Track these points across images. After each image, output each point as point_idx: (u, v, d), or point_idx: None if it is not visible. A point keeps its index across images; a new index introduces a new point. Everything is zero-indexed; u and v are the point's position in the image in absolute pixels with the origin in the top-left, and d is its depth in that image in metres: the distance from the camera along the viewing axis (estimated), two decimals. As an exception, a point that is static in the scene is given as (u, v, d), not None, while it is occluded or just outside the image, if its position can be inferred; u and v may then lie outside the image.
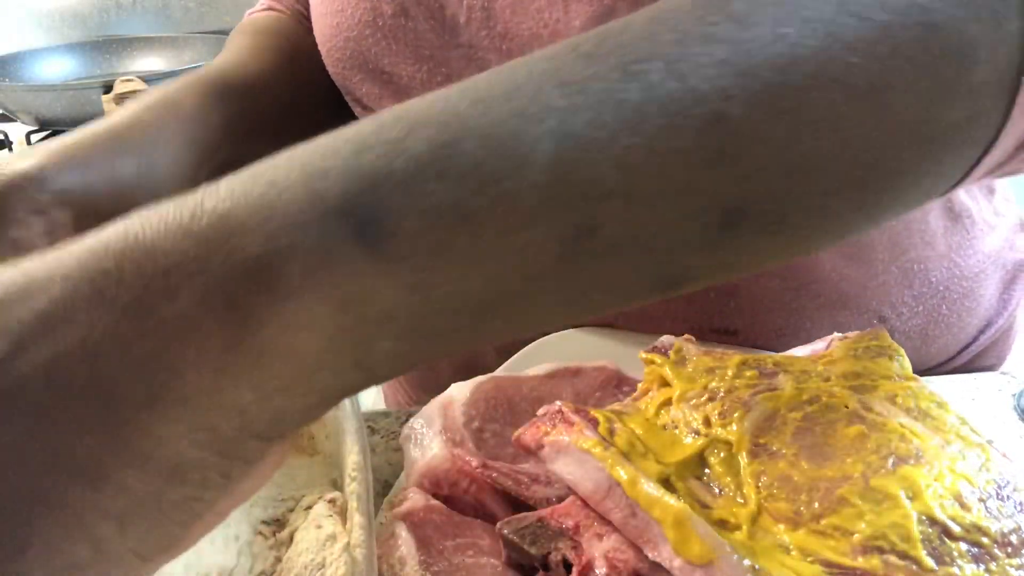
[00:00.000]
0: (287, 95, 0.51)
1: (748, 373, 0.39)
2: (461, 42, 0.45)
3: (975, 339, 0.57)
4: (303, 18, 0.58)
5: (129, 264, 0.19)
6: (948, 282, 0.53)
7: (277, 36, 0.54)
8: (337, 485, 0.37)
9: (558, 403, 0.37)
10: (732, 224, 0.22)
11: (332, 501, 0.35)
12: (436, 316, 0.21)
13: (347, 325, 0.20)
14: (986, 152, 0.25)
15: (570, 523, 0.34)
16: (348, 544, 0.31)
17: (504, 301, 0.22)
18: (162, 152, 0.37)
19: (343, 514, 0.34)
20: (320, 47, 0.52)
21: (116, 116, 0.37)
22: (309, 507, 0.35)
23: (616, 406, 0.41)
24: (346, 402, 0.38)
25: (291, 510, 0.36)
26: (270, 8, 0.59)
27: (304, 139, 0.53)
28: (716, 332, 0.51)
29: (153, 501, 0.20)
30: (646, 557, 0.32)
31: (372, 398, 0.72)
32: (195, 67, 1.20)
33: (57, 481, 0.19)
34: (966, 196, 0.53)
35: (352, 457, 0.34)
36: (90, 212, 0.33)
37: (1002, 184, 0.58)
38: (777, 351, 0.50)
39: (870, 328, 0.51)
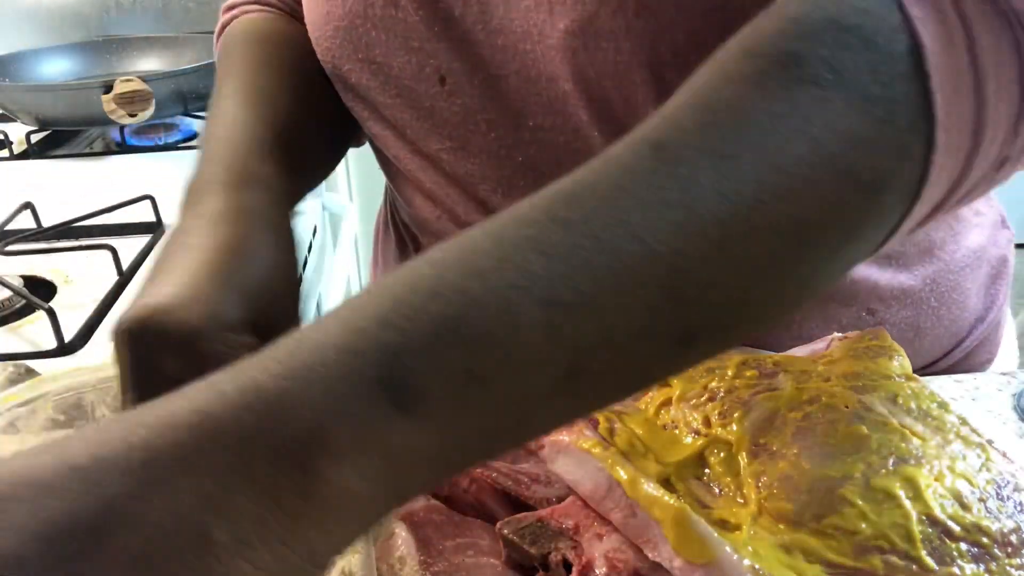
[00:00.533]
0: (308, 116, 0.51)
1: (748, 373, 0.39)
2: (452, 35, 0.46)
3: (969, 333, 0.58)
4: (293, 11, 0.57)
5: (207, 442, 0.22)
6: (935, 275, 0.54)
7: (281, 48, 0.53)
8: None
9: (558, 403, 0.37)
10: (688, 345, 0.27)
11: None
12: (461, 452, 0.25)
13: (391, 472, 0.24)
14: (889, 236, 0.30)
15: (570, 523, 0.34)
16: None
17: (513, 430, 0.26)
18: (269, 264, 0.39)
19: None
20: (310, 35, 0.51)
21: (213, 247, 0.37)
22: None
23: (616, 406, 0.41)
24: None
25: None
26: (257, 3, 0.58)
27: (332, 141, 0.50)
28: None
29: None
30: (646, 557, 0.32)
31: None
32: (195, 67, 1.20)
33: None
34: None
35: None
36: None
37: None
38: (769, 344, 0.50)
39: (860, 320, 0.51)
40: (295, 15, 0.57)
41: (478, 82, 0.46)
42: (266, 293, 0.37)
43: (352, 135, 0.58)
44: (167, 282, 0.35)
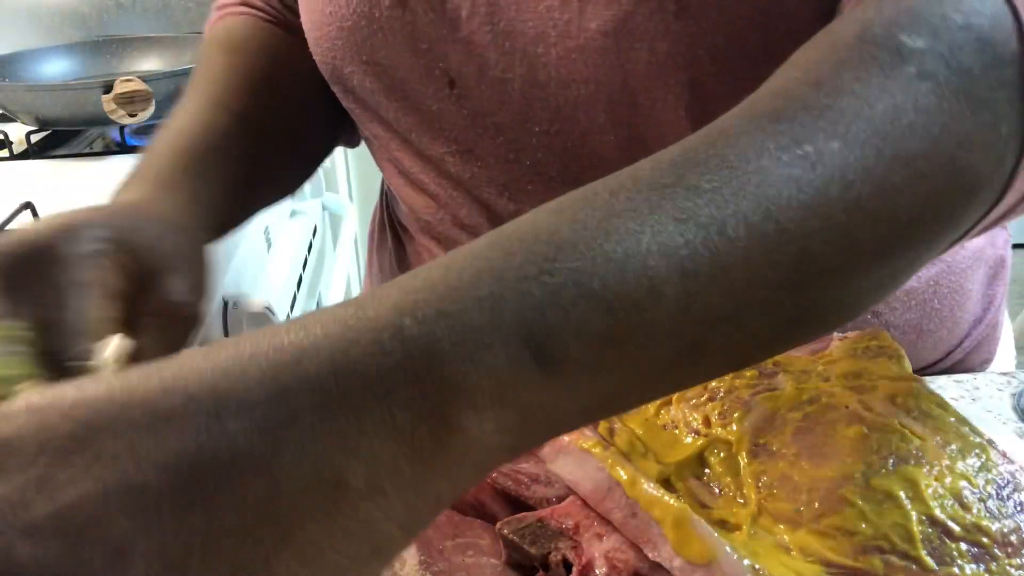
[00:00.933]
0: (274, 123, 0.51)
1: (748, 373, 0.39)
2: (459, 36, 0.45)
3: (968, 334, 0.58)
4: (283, 17, 0.56)
5: (343, 380, 0.21)
6: (938, 277, 0.54)
7: (254, 57, 0.53)
8: None
9: (558, 403, 0.37)
10: (792, 328, 0.27)
11: None
12: (583, 412, 0.25)
13: (525, 431, 0.24)
14: (964, 236, 0.31)
15: (570, 523, 0.34)
16: None
17: (631, 396, 0.26)
18: (171, 233, 0.40)
19: None
20: (308, 35, 0.50)
21: (118, 202, 0.39)
22: None
23: (616, 406, 0.41)
24: None
25: None
26: (245, 5, 0.57)
27: (301, 158, 0.51)
28: None
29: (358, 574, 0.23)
30: (646, 557, 0.32)
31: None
32: (195, 67, 1.20)
33: (281, 559, 0.21)
34: None
35: None
36: (125, 262, 0.37)
37: None
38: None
39: (864, 323, 0.51)
40: (281, 18, 0.56)
41: (486, 86, 0.45)
42: (147, 233, 0.37)
43: (326, 150, 0.58)
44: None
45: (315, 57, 0.51)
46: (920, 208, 0.27)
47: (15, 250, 0.34)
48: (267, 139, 0.50)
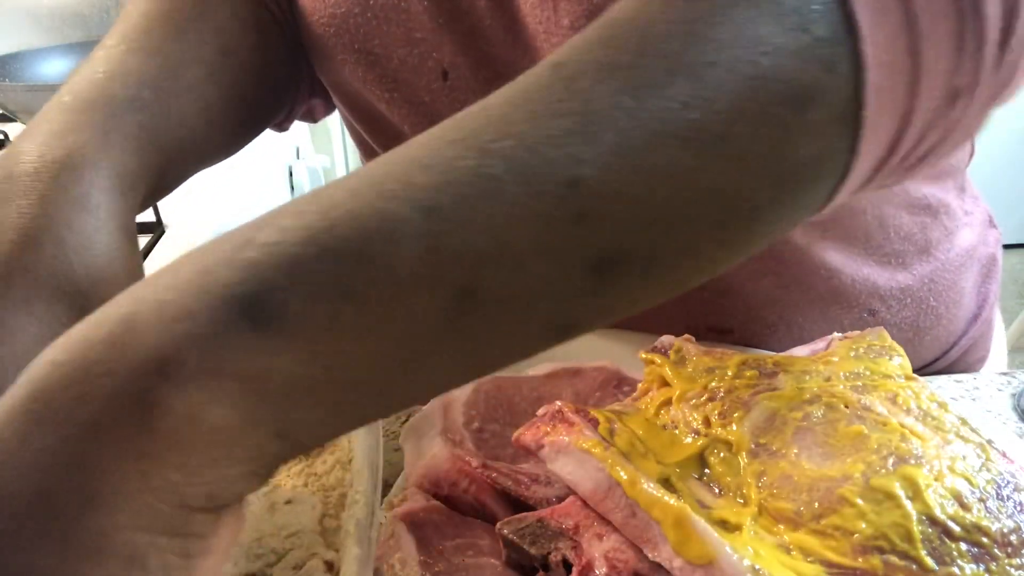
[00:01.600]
0: (192, 77, 0.42)
1: (748, 373, 0.39)
2: (458, 28, 0.44)
3: (965, 332, 0.58)
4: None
5: (49, 383, 0.21)
6: (932, 274, 0.54)
7: (204, 7, 0.44)
8: (325, 528, 0.34)
9: (558, 403, 0.37)
10: (604, 272, 0.24)
11: (329, 564, 0.32)
12: (339, 386, 0.23)
13: (253, 400, 0.22)
14: (841, 181, 0.27)
15: (570, 523, 0.34)
16: None
17: (404, 366, 0.24)
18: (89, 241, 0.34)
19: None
20: (301, 20, 0.49)
21: (11, 223, 0.32)
22: (298, 566, 0.32)
23: (616, 406, 0.40)
24: None
25: (271, 565, 0.33)
26: None
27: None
28: (711, 331, 0.51)
29: None
30: (646, 557, 0.32)
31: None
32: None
33: None
34: (942, 193, 0.54)
35: (360, 478, 0.33)
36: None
37: (969, 183, 0.60)
38: (771, 347, 0.50)
39: (861, 322, 0.51)
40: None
41: (482, 78, 0.45)
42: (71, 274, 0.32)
43: (259, 123, 0.50)
44: None
45: (306, 45, 0.49)
46: (721, 123, 0.24)
47: None
48: (183, 95, 0.42)
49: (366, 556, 0.31)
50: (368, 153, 0.56)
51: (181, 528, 0.22)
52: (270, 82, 0.49)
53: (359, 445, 0.35)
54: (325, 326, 0.22)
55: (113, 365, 0.21)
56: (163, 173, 0.39)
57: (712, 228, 0.25)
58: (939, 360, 0.58)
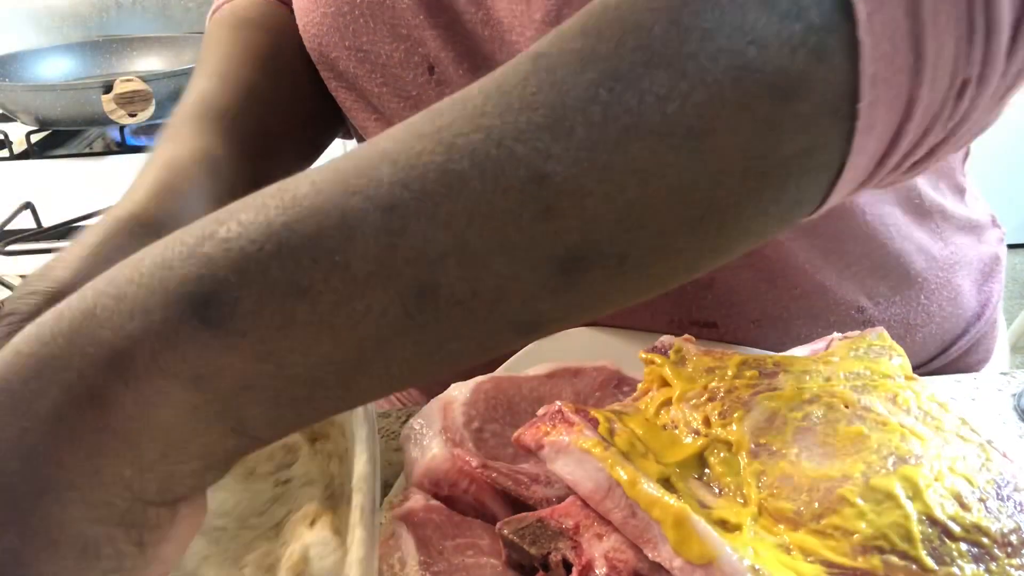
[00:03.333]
0: (278, 99, 0.50)
1: (748, 373, 0.39)
2: (440, 23, 0.45)
3: (965, 332, 0.58)
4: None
5: (11, 374, 0.21)
6: (925, 272, 0.54)
7: (259, 31, 0.52)
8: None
9: (558, 403, 0.37)
10: (572, 271, 0.23)
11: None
12: (294, 382, 0.23)
13: (205, 398, 0.22)
14: (836, 178, 0.25)
15: (570, 523, 0.34)
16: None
17: (362, 363, 0.23)
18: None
19: (337, 528, 0.33)
20: (298, 20, 0.51)
21: (132, 201, 0.36)
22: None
23: (616, 406, 0.40)
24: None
25: (270, 540, 0.35)
26: None
27: (306, 134, 0.50)
28: (696, 325, 0.51)
29: None
30: (646, 557, 0.32)
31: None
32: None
33: None
34: (935, 194, 0.54)
35: (360, 466, 0.33)
36: None
37: (970, 182, 0.59)
38: (758, 343, 0.50)
39: (848, 318, 0.51)
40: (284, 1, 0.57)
41: (464, 71, 0.46)
42: None
43: (331, 133, 0.58)
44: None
45: (305, 43, 0.51)
46: (699, 116, 0.23)
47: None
48: (273, 112, 0.49)
49: (371, 539, 0.31)
50: None
51: (136, 520, 0.23)
52: (326, 98, 0.53)
53: (357, 435, 0.35)
54: (277, 324, 0.22)
55: (70, 360, 0.21)
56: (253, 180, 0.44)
57: (687, 226, 0.24)
58: (938, 358, 0.57)
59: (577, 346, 0.50)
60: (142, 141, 1.19)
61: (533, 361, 0.48)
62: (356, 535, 0.30)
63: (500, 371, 0.48)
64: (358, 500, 0.32)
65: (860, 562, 0.31)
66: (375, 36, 0.47)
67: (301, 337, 0.22)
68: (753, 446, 0.35)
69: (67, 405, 0.21)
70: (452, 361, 0.25)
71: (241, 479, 0.37)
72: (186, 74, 1.15)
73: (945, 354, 0.57)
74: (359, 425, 0.35)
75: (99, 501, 0.22)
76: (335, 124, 0.57)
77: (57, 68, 1.32)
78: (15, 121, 1.19)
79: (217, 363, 0.21)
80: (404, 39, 0.46)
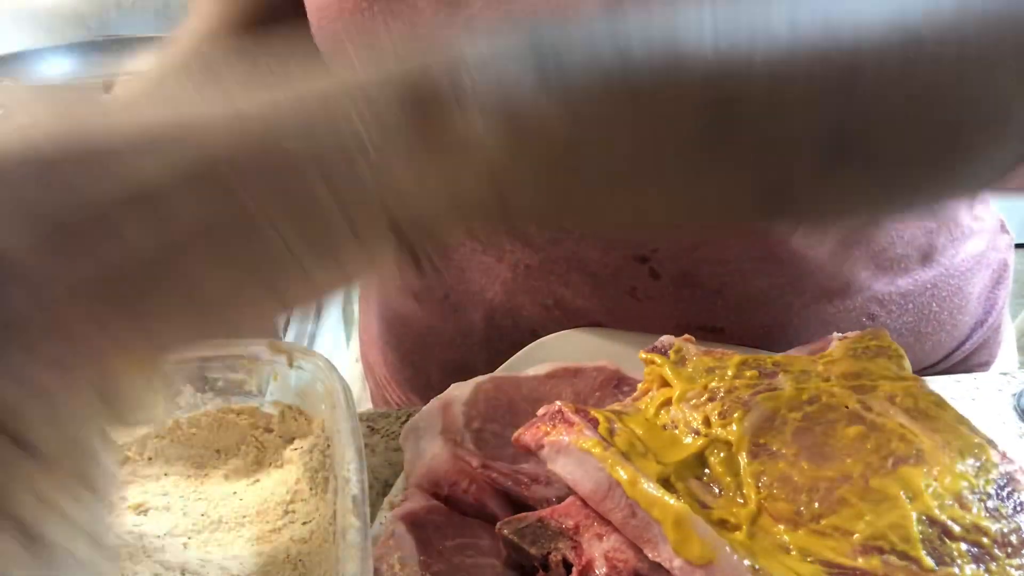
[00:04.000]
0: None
1: (748, 373, 0.39)
2: (458, 22, 0.45)
3: (968, 337, 0.58)
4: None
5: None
6: (936, 280, 0.54)
7: None
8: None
9: (558, 403, 0.37)
10: (837, 155, 0.25)
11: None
12: (588, 170, 0.24)
13: (506, 150, 0.23)
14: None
15: (570, 523, 0.34)
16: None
17: (649, 171, 0.25)
18: None
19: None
20: (312, 20, 0.50)
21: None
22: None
23: (616, 406, 0.41)
24: (341, 399, 0.37)
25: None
26: None
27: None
28: (703, 330, 0.51)
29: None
30: (646, 557, 0.32)
31: (357, 396, 0.71)
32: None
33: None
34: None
35: (347, 459, 0.34)
36: None
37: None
38: (764, 347, 0.50)
39: (859, 325, 0.51)
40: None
41: None
42: None
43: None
44: None
45: (317, 43, 0.51)
46: (994, 49, 0.25)
47: None
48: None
49: (364, 528, 0.31)
50: None
51: (372, 235, 0.25)
52: None
53: (342, 428, 0.35)
54: (601, 101, 0.23)
55: (407, 77, 0.24)
56: None
57: (937, 148, 0.27)
58: (940, 363, 0.57)
59: (577, 346, 0.50)
60: (142, 141, 1.18)
61: (533, 361, 0.48)
62: (350, 523, 0.31)
63: (500, 371, 0.48)
64: (349, 491, 0.32)
65: (860, 562, 0.31)
66: (393, 36, 0.46)
67: (614, 123, 0.24)
68: (753, 446, 0.35)
69: (397, 112, 0.23)
70: (711, 207, 0.28)
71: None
72: (186, 74, 1.15)
73: (948, 359, 0.57)
74: (343, 420, 0.36)
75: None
76: None
77: (57, 68, 1.32)
78: (15, 121, 1.19)
79: (536, 117, 0.23)
80: (423, 38, 0.46)
